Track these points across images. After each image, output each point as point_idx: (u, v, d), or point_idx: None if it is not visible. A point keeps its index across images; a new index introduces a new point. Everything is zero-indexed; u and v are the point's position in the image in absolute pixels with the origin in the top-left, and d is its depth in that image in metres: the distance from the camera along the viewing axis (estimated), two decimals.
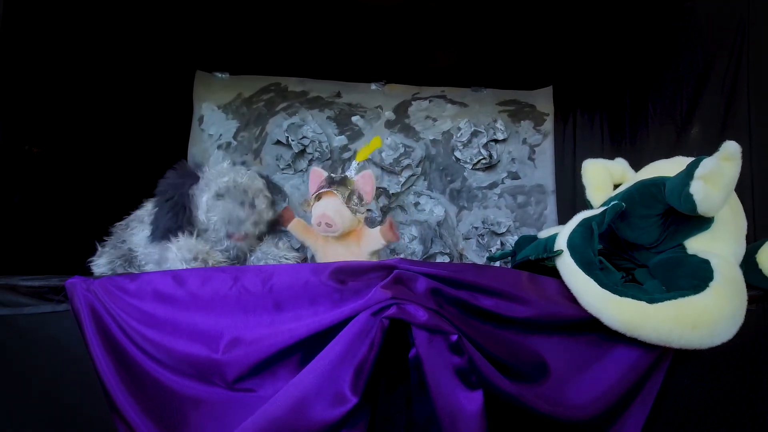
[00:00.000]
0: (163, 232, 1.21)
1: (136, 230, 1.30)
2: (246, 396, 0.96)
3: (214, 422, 0.95)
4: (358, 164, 1.54)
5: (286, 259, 1.32)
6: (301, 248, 1.71)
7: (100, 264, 1.27)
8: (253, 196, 1.28)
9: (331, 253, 1.42)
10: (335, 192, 1.37)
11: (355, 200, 1.38)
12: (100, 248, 1.30)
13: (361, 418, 0.94)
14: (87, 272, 1.24)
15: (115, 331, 0.99)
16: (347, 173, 1.46)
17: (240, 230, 1.26)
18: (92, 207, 1.53)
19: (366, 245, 1.41)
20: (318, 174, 1.48)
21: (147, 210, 1.31)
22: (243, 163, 2.10)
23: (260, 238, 1.37)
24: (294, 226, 1.46)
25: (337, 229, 1.34)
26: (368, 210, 1.49)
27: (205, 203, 1.24)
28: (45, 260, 1.29)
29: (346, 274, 1.00)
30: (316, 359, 0.91)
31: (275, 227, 1.43)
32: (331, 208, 1.34)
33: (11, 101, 1.25)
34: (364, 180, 1.42)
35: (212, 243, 1.26)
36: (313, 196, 1.40)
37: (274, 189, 1.43)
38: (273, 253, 1.32)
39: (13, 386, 1.04)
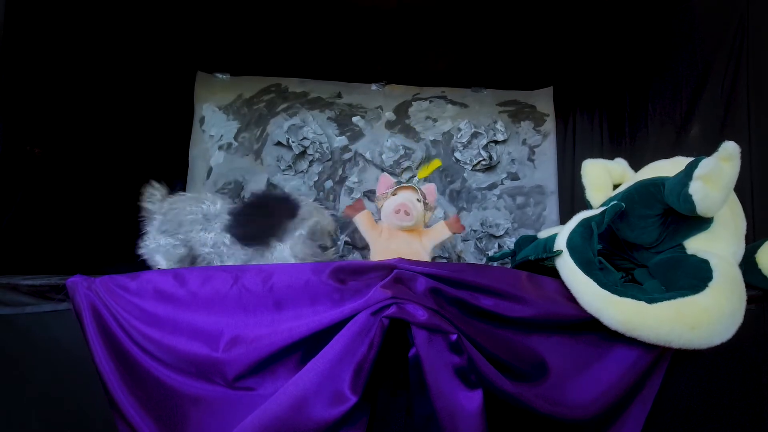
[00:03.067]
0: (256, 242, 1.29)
1: (202, 230, 1.30)
2: (246, 394, 0.96)
3: (214, 420, 0.95)
4: (418, 181, 1.68)
5: None
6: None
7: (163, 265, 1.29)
8: (328, 237, 1.40)
9: (393, 245, 1.50)
10: (414, 186, 1.51)
11: (427, 202, 1.53)
12: (154, 242, 1.28)
13: (360, 417, 0.94)
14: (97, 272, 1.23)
15: (116, 329, 0.99)
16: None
17: None
18: (93, 207, 1.54)
19: (430, 239, 1.53)
20: (388, 178, 1.62)
21: (212, 210, 1.31)
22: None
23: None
24: (362, 217, 1.55)
25: (412, 219, 1.43)
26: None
27: (289, 243, 1.30)
28: (46, 260, 1.30)
29: (346, 274, 1.00)
30: (315, 358, 0.91)
31: None
32: (410, 198, 1.46)
33: (13, 102, 1.25)
34: (428, 191, 1.56)
35: None
36: (390, 191, 1.52)
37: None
38: None
39: (13, 386, 1.04)
